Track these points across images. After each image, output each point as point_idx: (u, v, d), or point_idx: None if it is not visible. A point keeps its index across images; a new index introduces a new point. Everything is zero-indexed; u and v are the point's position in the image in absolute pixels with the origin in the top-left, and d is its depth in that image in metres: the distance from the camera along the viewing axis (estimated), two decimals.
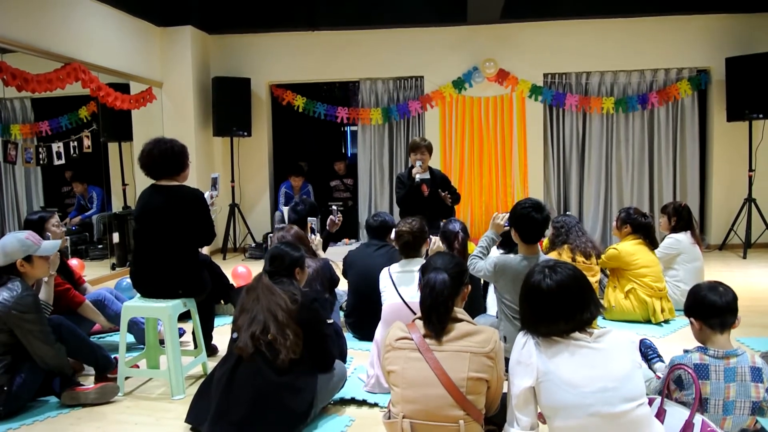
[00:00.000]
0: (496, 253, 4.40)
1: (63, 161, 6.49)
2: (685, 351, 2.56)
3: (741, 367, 2.45)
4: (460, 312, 2.41)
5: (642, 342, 3.27)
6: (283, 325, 2.88)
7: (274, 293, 2.97)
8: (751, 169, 7.54)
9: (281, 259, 3.13)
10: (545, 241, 4.93)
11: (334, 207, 5.11)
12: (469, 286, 2.57)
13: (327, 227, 4.90)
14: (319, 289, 3.89)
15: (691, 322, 2.61)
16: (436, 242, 4.07)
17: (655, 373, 2.99)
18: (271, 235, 4.21)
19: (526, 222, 3.41)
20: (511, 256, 3.64)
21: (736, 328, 2.62)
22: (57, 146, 6.44)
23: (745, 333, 4.28)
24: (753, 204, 7.48)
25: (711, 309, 2.51)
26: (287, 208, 5.22)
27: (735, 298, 2.57)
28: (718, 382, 2.43)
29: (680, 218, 5.19)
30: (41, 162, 6.39)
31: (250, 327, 2.90)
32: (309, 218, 4.72)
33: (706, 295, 2.54)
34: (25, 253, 3.32)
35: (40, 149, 6.38)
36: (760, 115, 7.23)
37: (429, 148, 5.66)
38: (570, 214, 5.29)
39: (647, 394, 2.29)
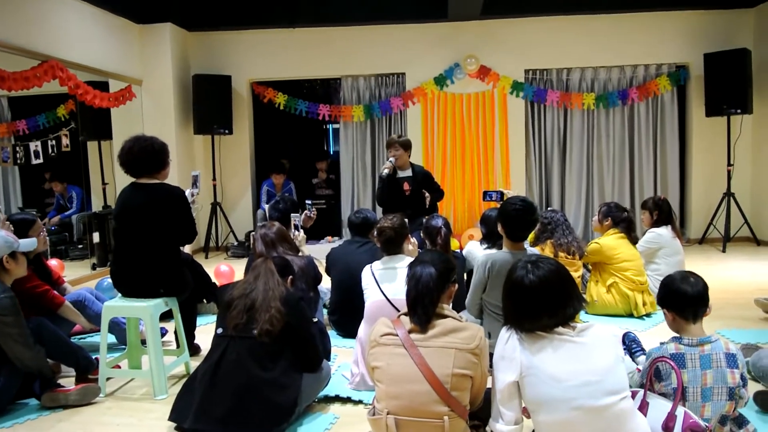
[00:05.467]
0: (480, 249, 4.41)
1: (41, 160, 6.40)
2: (661, 343, 2.61)
3: (716, 354, 2.50)
4: (446, 309, 2.41)
5: (626, 335, 3.30)
6: (269, 298, 2.97)
7: (274, 274, 3.09)
8: (729, 164, 7.64)
9: (287, 264, 3.32)
10: (531, 235, 4.95)
11: (309, 202, 5.09)
12: (456, 285, 2.57)
13: (302, 223, 4.89)
14: (303, 288, 3.87)
15: (664, 313, 2.67)
16: (414, 244, 4.06)
17: (637, 366, 3.02)
18: (253, 233, 4.18)
19: (514, 222, 3.41)
20: (495, 251, 3.65)
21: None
22: (35, 145, 6.36)
23: (725, 325, 4.33)
24: (732, 198, 7.58)
25: (684, 300, 2.57)
26: (269, 205, 5.19)
27: (706, 287, 2.63)
28: (694, 369, 2.48)
29: (661, 212, 5.23)
30: (18, 161, 6.30)
31: (243, 298, 3.01)
32: (292, 215, 4.71)
33: (678, 287, 2.59)
34: (9, 250, 3.29)
35: (18, 148, 6.29)
36: (738, 110, 7.33)
37: (404, 145, 5.65)
38: (554, 209, 5.31)
39: (630, 387, 2.31)
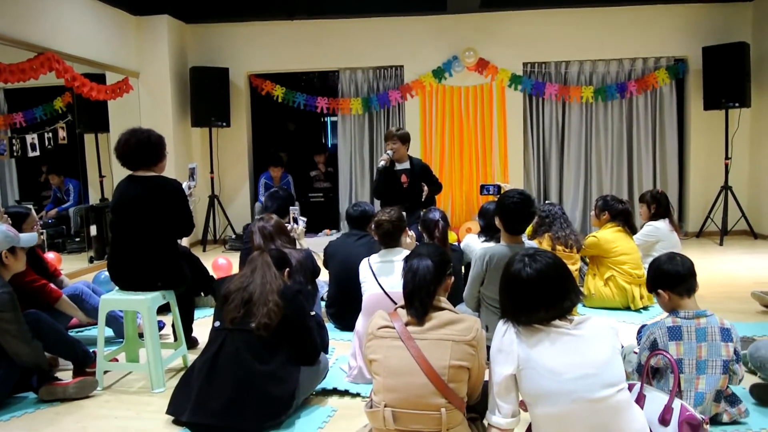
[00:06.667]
0: (478, 242, 4.41)
1: (38, 153, 6.37)
2: (655, 323, 2.73)
3: (711, 327, 2.64)
4: (442, 301, 2.41)
5: (644, 326, 3.32)
6: (266, 292, 2.98)
7: (270, 268, 3.10)
8: (727, 157, 7.64)
9: (283, 257, 3.34)
10: (528, 228, 4.94)
11: (298, 216, 4.91)
12: (452, 277, 2.56)
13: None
14: (301, 281, 3.87)
15: (658, 295, 2.77)
16: (411, 237, 4.05)
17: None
18: (251, 226, 4.17)
19: (512, 215, 3.41)
20: (493, 244, 3.64)
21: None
22: (31, 138, 6.32)
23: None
24: (729, 192, 7.58)
25: (677, 277, 2.72)
26: (265, 195, 5.14)
27: (692, 263, 2.79)
28: (690, 342, 2.61)
29: (659, 205, 5.24)
30: (15, 154, 6.27)
31: (240, 292, 3.01)
32: (291, 207, 4.69)
33: (669, 268, 2.76)
34: (9, 245, 3.28)
35: (14, 141, 6.25)
36: (736, 104, 7.32)
37: (402, 138, 5.62)
38: (552, 202, 5.31)
39: (623, 355, 2.39)
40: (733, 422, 2.75)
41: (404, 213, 3.89)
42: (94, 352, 3.59)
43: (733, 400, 2.76)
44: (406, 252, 3.39)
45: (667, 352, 2.53)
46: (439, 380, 2.24)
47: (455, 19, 8.08)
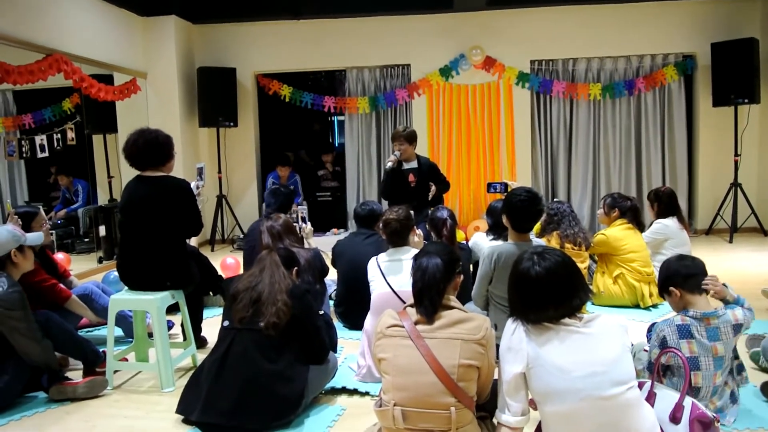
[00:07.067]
0: (486, 240, 4.40)
1: (47, 154, 6.40)
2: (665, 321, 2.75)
3: (724, 326, 2.67)
4: (452, 300, 2.41)
5: (654, 324, 3.33)
6: (275, 291, 2.99)
7: (279, 267, 3.11)
8: (737, 154, 7.59)
9: (291, 256, 3.36)
10: (537, 226, 4.93)
11: (306, 215, 4.94)
12: (461, 276, 2.56)
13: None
14: (310, 280, 3.87)
15: (670, 293, 2.78)
16: (419, 235, 4.04)
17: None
18: (259, 225, 4.18)
19: (519, 213, 3.40)
20: (501, 242, 3.64)
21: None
22: (40, 139, 6.36)
23: None
24: (739, 188, 7.54)
25: (687, 273, 2.75)
26: (266, 192, 5.14)
27: (703, 263, 2.84)
28: (701, 340, 2.63)
29: (661, 203, 5.19)
30: (24, 155, 6.31)
31: (249, 291, 3.02)
32: (299, 207, 4.71)
33: (679, 265, 2.79)
34: (17, 243, 3.32)
35: (23, 142, 6.29)
36: (745, 100, 7.27)
37: (408, 138, 5.60)
38: (561, 200, 5.28)
39: (633, 353, 2.41)
40: (731, 394, 2.79)
41: (412, 212, 3.89)
42: (103, 352, 3.61)
43: (740, 369, 2.84)
44: (414, 251, 3.39)
45: (679, 351, 2.52)
46: (449, 379, 2.23)
47: (462, 17, 8.07)
